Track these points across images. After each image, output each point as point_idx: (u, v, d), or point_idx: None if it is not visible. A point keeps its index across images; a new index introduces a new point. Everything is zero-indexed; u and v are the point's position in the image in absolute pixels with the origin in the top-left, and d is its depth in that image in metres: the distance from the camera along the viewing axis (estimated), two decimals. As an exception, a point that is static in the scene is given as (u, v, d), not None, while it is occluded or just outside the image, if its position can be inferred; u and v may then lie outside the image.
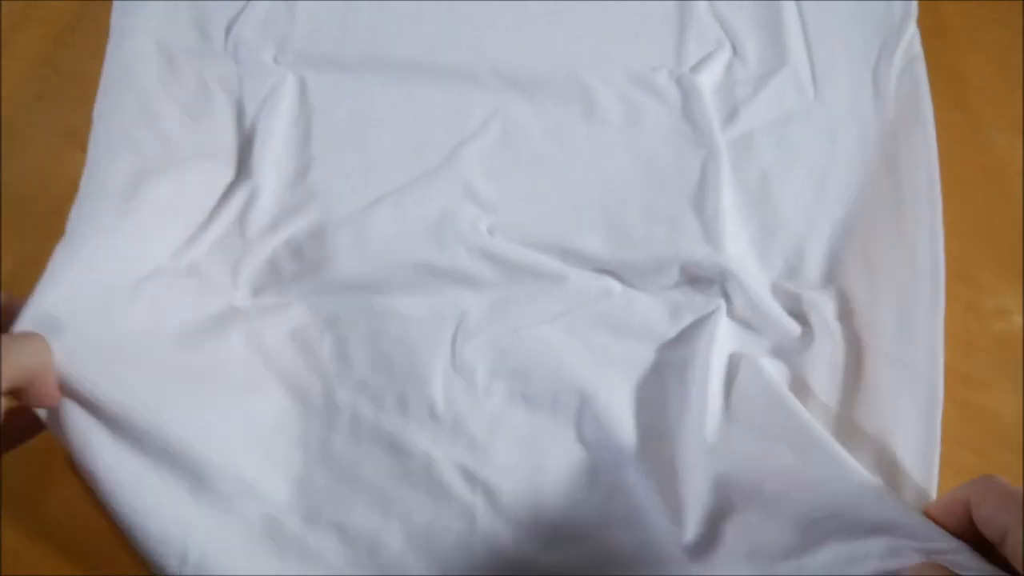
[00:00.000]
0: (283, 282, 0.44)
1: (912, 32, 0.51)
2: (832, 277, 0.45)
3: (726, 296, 0.44)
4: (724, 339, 0.43)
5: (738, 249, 0.45)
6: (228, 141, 0.48)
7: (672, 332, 0.44)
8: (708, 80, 0.51)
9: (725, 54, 0.52)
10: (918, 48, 0.51)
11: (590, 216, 0.46)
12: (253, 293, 0.44)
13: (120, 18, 0.50)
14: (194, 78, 0.49)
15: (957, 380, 0.43)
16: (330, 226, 0.45)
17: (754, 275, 0.44)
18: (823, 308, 0.43)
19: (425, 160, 0.48)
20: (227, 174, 0.46)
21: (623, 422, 0.41)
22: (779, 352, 0.43)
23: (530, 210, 0.46)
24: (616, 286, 0.45)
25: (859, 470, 0.34)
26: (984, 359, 0.46)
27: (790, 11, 0.53)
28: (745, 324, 0.44)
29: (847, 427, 0.40)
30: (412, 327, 0.43)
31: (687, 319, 0.44)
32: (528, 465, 0.40)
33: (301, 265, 0.45)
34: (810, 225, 0.46)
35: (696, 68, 0.51)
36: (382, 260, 0.45)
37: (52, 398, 0.32)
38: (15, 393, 0.31)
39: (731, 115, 0.50)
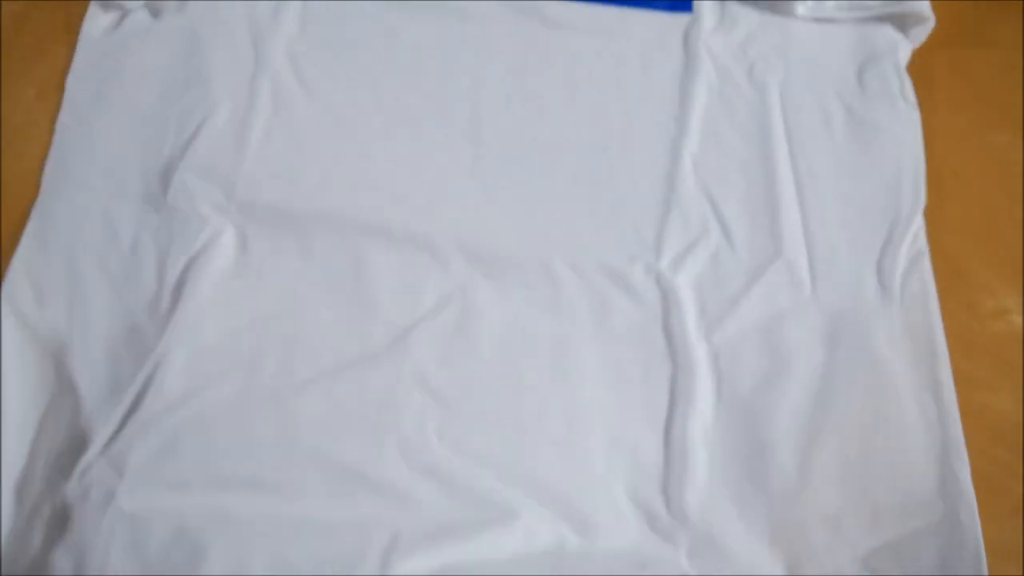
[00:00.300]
0: (180, 468, 0.40)
1: (919, 224, 0.47)
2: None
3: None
4: None
5: (712, 503, 0.40)
6: (147, 299, 0.44)
7: None
8: (691, 273, 0.45)
9: (712, 241, 0.46)
10: (923, 242, 0.46)
11: (549, 434, 0.42)
12: (139, 485, 0.40)
13: (58, 170, 0.47)
14: (130, 237, 0.45)
15: (957, 380, 0.44)
16: (247, 403, 0.41)
17: (730, 538, 0.40)
18: None
19: (368, 340, 0.43)
20: (141, 342, 0.43)
21: None
22: None
23: (485, 414, 0.42)
24: (572, 539, 0.40)
25: None
26: (984, 359, 0.46)
27: (787, 192, 0.47)
28: None
29: None
30: (331, 541, 0.39)
31: None
32: None
33: (199, 452, 0.40)
34: (804, 471, 0.41)
35: (678, 259, 0.46)
36: (302, 456, 0.40)
37: None
38: None
39: (716, 316, 0.44)
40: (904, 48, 0.51)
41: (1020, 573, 0.42)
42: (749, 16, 0.52)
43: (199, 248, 0.44)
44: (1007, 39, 0.55)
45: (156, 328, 0.43)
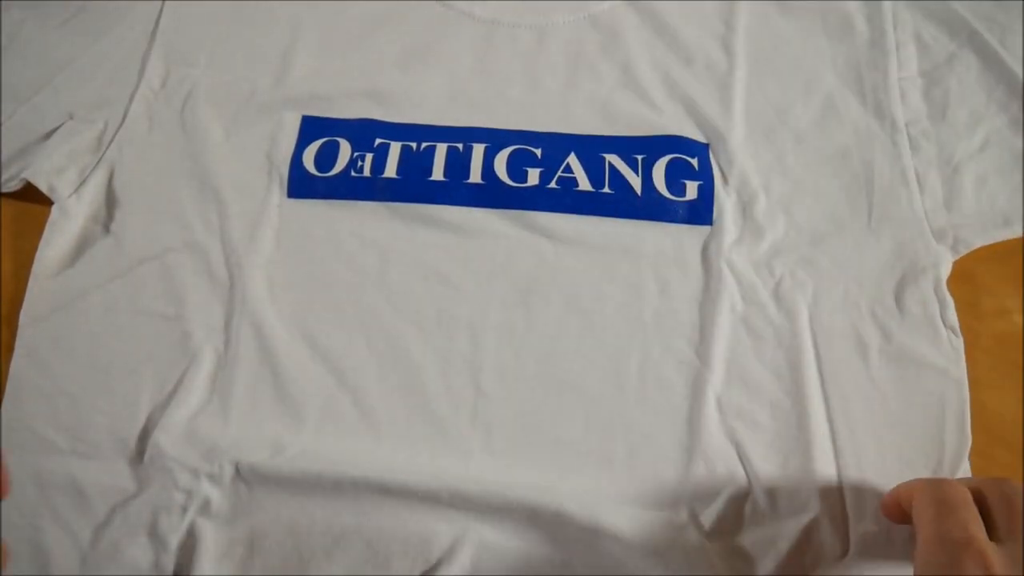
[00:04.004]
0: None
1: (965, 471, 0.42)
2: None
3: None
4: None
5: None
6: None
7: None
8: (716, 532, 0.41)
9: (739, 493, 0.42)
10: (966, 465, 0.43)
11: None
12: None
13: (13, 423, 0.42)
14: (105, 507, 0.41)
15: None
16: None
17: None
18: None
19: None
20: None
21: None
22: None
23: None
24: None
25: None
26: (984, 359, 0.46)
27: (821, 437, 0.42)
28: None
29: None
30: None
31: None
32: None
33: None
34: None
35: (702, 513, 0.41)
36: None
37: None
38: None
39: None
40: (946, 262, 0.46)
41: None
42: (775, 226, 0.47)
43: (186, 527, 0.40)
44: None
45: None
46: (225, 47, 0.51)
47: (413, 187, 0.47)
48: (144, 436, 0.42)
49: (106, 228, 0.47)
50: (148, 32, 0.51)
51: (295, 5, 0.53)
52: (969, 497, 0.35)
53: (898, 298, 0.45)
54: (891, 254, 0.46)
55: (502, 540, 0.41)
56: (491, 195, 0.47)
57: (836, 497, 0.41)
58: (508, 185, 0.47)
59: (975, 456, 0.43)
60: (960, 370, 0.44)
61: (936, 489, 0.36)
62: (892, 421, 0.43)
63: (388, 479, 0.41)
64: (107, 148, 0.48)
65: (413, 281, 0.46)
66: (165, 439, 0.42)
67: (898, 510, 0.38)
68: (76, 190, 0.47)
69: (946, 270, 0.46)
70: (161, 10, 0.52)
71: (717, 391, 0.43)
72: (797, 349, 0.44)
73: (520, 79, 0.51)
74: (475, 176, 0.48)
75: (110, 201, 0.47)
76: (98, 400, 0.43)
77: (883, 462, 0.42)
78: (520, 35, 0.52)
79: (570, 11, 0.52)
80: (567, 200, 0.47)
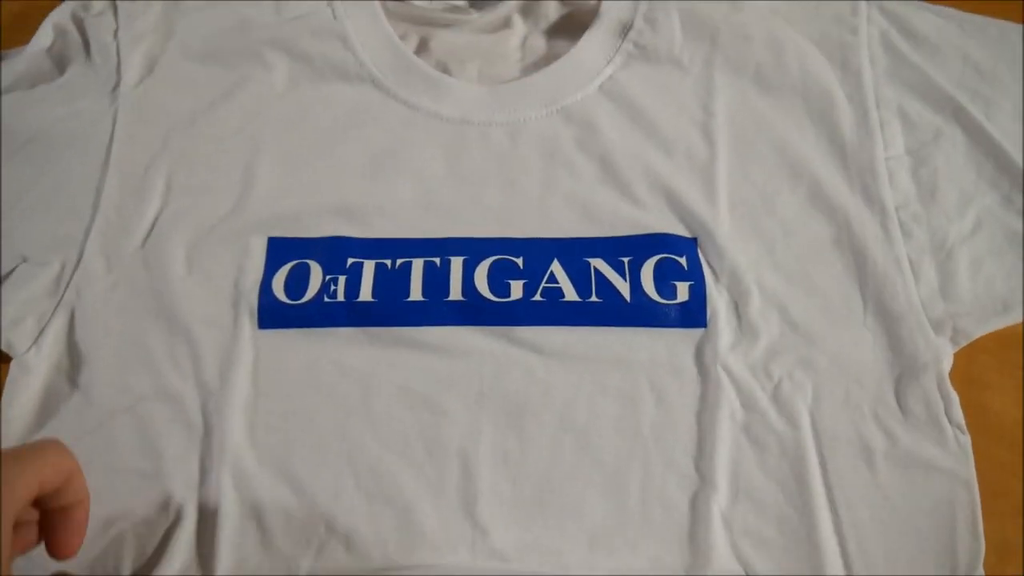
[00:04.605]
0: None
1: None
2: None
3: None
4: None
5: None
6: None
7: None
8: None
9: None
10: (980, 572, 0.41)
11: None
12: None
13: None
14: None
15: (958, 380, 0.44)
16: None
17: None
18: None
19: None
20: None
21: None
22: None
23: None
24: None
25: None
26: (984, 359, 0.46)
27: (830, 550, 0.41)
28: None
29: None
30: None
31: None
32: None
33: None
34: None
35: None
36: None
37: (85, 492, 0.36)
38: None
39: None
40: (947, 356, 0.45)
41: (1020, 573, 0.42)
42: (770, 325, 0.45)
43: None
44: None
45: None
46: (183, 168, 0.48)
47: (391, 309, 0.45)
48: None
49: (72, 381, 0.44)
50: (100, 159, 0.48)
51: (253, 117, 0.50)
52: None
53: (900, 397, 0.44)
54: (890, 350, 0.45)
55: None
56: (473, 312, 0.45)
57: None
58: (490, 300, 0.45)
59: (976, 456, 0.43)
60: (969, 470, 0.43)
61: None
62: (902, 529, 0.42)
63: None
64: (65, 291, 0.45)
65: (398, 410, 0.43)
66: None
67: None
68: (35, 341, 0.44)
69: (947, 364, 0.45)
70: (112, 134, 0.49)
71: (722, 508, 0.42)
72: (801, 458, 0.43)
73: (495, 182, 0.48)
74: (455, 293, 0.45)
75: (72, 350, 0.45)
76: (75, 565, 0.40)
77: (895, 573, 0.41)
78: (492, 134, 0.49)
79: (542, 105, 0.50)
80: (553, 312, 0.45)
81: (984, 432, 0.43)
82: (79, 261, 0.46)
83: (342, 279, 0.46)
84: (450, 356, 0.44)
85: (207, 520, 0.41)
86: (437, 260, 0.46)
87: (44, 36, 0.51)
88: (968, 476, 0.42)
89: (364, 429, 0.43)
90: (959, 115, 0.49)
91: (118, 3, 0.52)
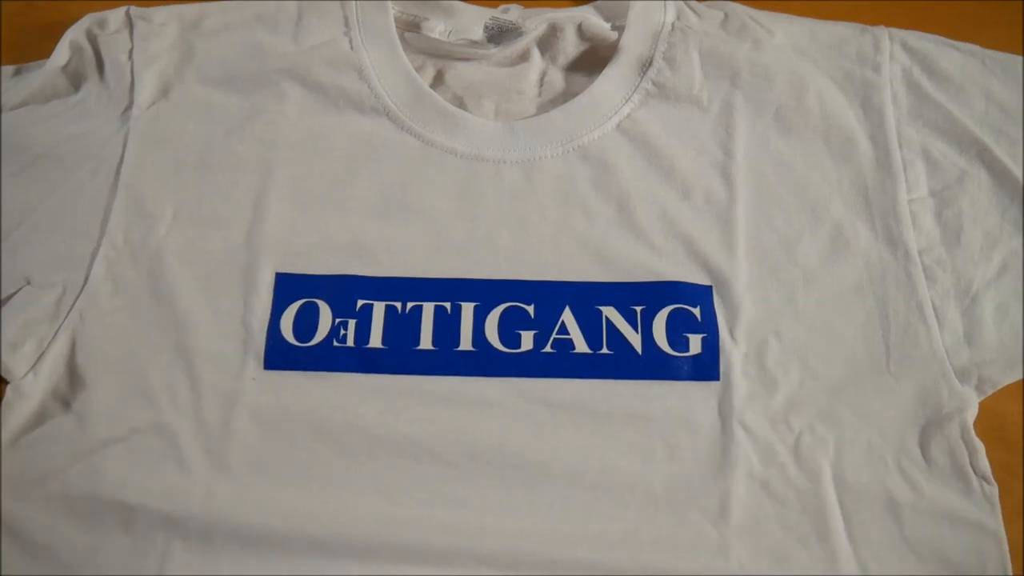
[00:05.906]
0: None
1: None
2: None
3: None
4: None
5: None
6: None
7: None
8: None
9: None
10: None
11: None
12: None
13: None
14: None
15: None
16: None
17: None
18: None
19: None
20: None
21: None
22: None
23: None
24: None
25: None
26: None
27: None
28: None
29: None
30: None
31: None
32: None
33: None
34: None
35: None
36: None
37: None
38: None
39: None
40: (972, 406, 0.44)
41: (1021, 574, 0.42)
42: (789, 376, 0.44)
43: None
44: (1005, 39, 0.54)
45: None
46: (193, 196, 0.47)
47: (400, 358, 0.44)
48: None
49: (67, 405, 0.43)
50: (110, 182, 0.47)
51: (266, 146, 0.48)
52: None
53: (924, 448, 0.43)
54: (914, 400, 0.44)
55: None
56: (483, 363, 0.44)
57: None
58: (501, 351, 0.44)
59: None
60: (996, 521, 0.42)
61: None
62: None
63: None
64: (67, 315, 0.44)
65: (403, 462, 0.42)
66: None
67: None
68: (33, 367, 0.43)
69: (972, 414, 0.43)
70: (122, 156, 0.48)
71: (743, 562, 0.41)
72: (823, 513, 0.41)
73: (508, 221, 0.47)
74: (465, 343, 0.44)
75: (71, 375, 0.44)
76: None
77: None
78: (506, 172, 0.48)
79: (558, 143, 0.49)
80: (564, 365, 0.44)
81: (985, 432, 0.43)
82: (84, 284, 0.45)
83: (352, 323, 0.45)
84: (458, 408, 0.43)
85: (193, 552, 0.40)
86: (448, 306, 0.45)
87: (61, 54, 0.50)
88: (996, 528, 0.41)
89: (367, 482, 0.42)
90: (983, 155, 0.48)
91: (134, 22, 0.51)
